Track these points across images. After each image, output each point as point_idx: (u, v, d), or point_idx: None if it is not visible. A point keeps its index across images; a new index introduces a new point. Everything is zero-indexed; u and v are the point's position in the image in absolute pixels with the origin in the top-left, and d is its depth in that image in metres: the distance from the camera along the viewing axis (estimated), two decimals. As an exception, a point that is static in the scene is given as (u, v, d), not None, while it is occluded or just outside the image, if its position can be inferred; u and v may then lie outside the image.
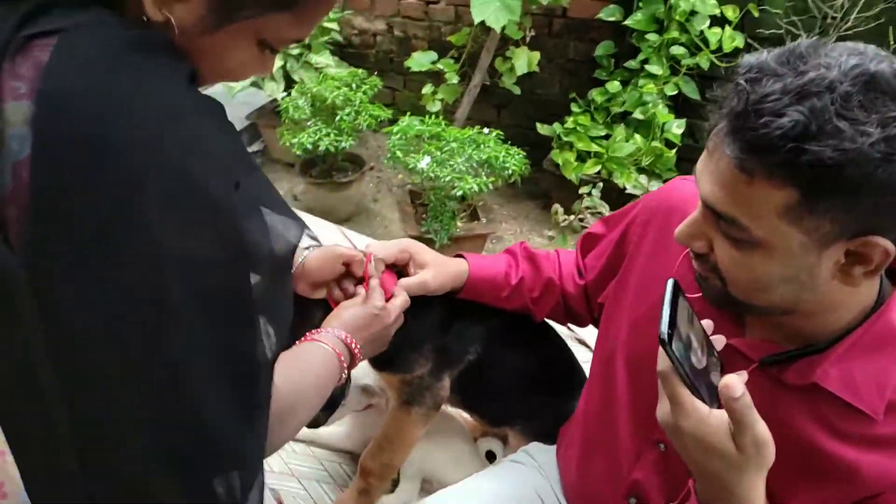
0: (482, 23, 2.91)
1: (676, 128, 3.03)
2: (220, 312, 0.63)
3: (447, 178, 2.57)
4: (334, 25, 3.57)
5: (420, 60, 3.34)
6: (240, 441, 0.67)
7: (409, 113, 2.92)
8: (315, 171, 3.29)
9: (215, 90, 3.93)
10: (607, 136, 3.14)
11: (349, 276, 1.12)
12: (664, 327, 0.69)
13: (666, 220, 1.01)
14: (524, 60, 3.20)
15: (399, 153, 2.71)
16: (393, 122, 2.91)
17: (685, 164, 3.07)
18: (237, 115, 3.90)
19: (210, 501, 0.66)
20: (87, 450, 0.65)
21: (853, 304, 0.79)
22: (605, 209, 2.89)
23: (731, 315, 0.89)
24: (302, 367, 0.88)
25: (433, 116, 2.90)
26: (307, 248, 1.11)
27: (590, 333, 1.70)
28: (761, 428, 0.69)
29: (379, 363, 1.26)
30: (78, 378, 0.62)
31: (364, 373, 1.38)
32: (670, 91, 3.07)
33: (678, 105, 3.17)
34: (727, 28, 2.98)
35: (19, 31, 0.59)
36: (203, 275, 0.61)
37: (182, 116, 0.61)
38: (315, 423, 1.03)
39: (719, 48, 2.98)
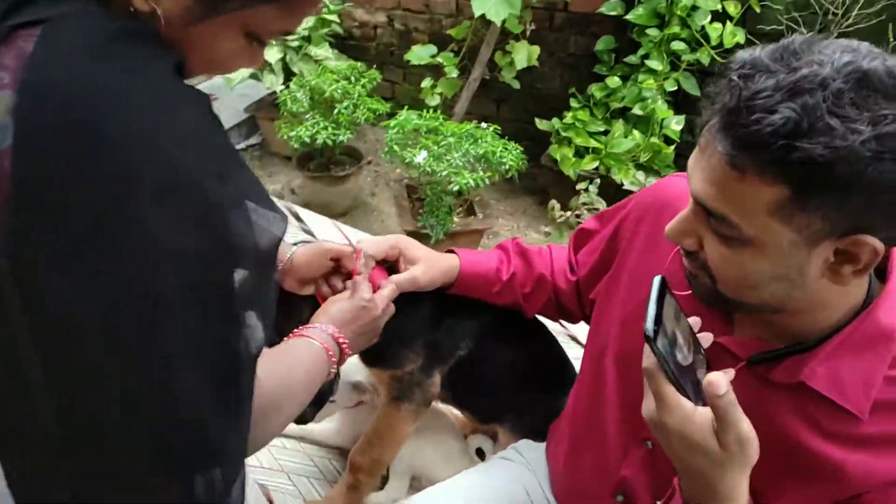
0: (482, 16, 2.90)
1: (675, 124, 3.01)
2: (206, 306, 0.63)
3: (444, 173, 2.56)
4: (335, 17, 3.56)
5: (419, 54, 3.33)
6: (222, 437, 0.67)
7: (407, 107, 2.91)
8: (312, 165, 3.28)
9: (214, 82, 3.93)
10: (606, 132, 3.13)
11: (337, 272, 1.12)
12: (649, 323, 0.69)
13: (658, 217, 1.00)
14: (524, 55, 3.19)
15: (396, 147, 2.70)
16: (392, 115, 2.91)
17: (684, 160, 3.01)
18: (236, 108, 3.89)
19: (190, 498, 0.66)
20: (72, 445, 0.65)
21: (842, 302, 0.79)
22: (603, 205, 2.88)
23: (720, 313, 0.88)
24: (289, 362, 0.88)
25: (432, 110, 2.89)
26: (296, 245, 1.10)
27: (582, 330, 1.69)
28: (745, 426, 0.69)
29: (369, 359, 1.26)
30: (68, 371, 0.62)
31: (355, 369, 1.37)
32: (670, 87, 3.06)
33: (678, 101, 3.16)
34: (728, 24, 2.96)
35: (3, 21, 0.59)
36: (194, 268, 0.61)
37: (176, 109, 0.61)
38: (302, 420, 1.03)
39: (720, 44, 2.96)
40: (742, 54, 0.70)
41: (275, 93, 3.29)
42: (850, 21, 2.76)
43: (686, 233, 0.79)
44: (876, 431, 0.77)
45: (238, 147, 3.87)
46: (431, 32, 3.78)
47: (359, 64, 3.27)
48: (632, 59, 3.14)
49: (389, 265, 1.17)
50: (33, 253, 0.58)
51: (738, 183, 0.68)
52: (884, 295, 0.80)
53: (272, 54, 3.28)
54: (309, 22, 3.46)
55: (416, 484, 1.40)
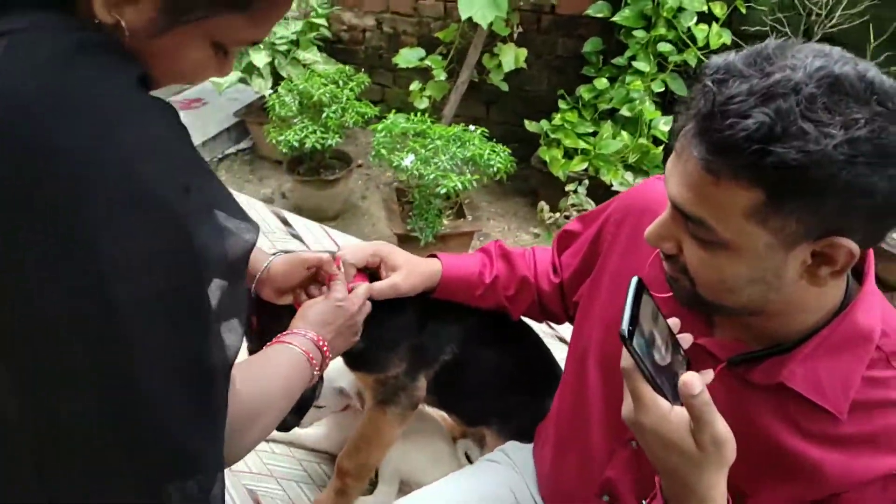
0: (470, 19, 2.91)
1: (663, 124, 3.03)
2: (169, 315, 0.62)
3: (431, 176, 2.56)
4: (323, 21, 3.56)
5: (408, 57, 3.34)
6: (195, 446, 0.67)
7: (394, 111, 2.91)
8: (302, 169, 3.28)
9: (204, 86, 3.93)
10: (595, 133, 3.14)
11: (315, 280, 1.12)
12: (624, 324, 0.70)
13: (639, 220, 1.01)
14: (511, 57, 3.20)
15: (384, 151, 2.70)
16: (381, 118, 2.91)
17: (672, 160, 3.06)
18: (225, 112, 3.89)
19: None
20: (43, 453, 0.65)
21: (820, 304, 0.80)
22: (591, 206, 2.89)
23: (700, 315, 0.89)
24: (268, 370, 0.88)
25: (420, 114, 2.90)
26: (274, 254, 1.10)
27: (570, 331, 1.69)
28: (720, 426, 0.70)
29: (354, 363, 1.26)
30: (33, 379, 0.62)
31: (339, 374, 1.37)
32: (657, 88, 3.07)
33: (665, 102, 3.17)
34: (714, 25, 2.98)
35: None
36: (151, 278, 0.61)
37: (137, 120, 0.60)
38: (284, 427, 1.03)
39: (706, 45, 2.97)
40: (716, 59, 0.71)
41: (264, 97, 3.29)
42: (834, 21, 2.78)
43: (665, 237, 0.79)
44: (854, 431, 0.78)
45: (228, 151, 3.86)
46: (420, 36, 3.78)
47: (347, 68, 3.27)
48: (619, 60, 3.15)
49: (371, 272, 1.17)
50: None
51: (714, 187, 0.69)
52: (861, 296, 0.80)
53: (260, 58, 3.28)
54: (297, 26, 3.46)
55: (405, 488, 1.40)
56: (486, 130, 2.85)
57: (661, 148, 3.01)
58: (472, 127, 2.85)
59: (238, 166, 3.78)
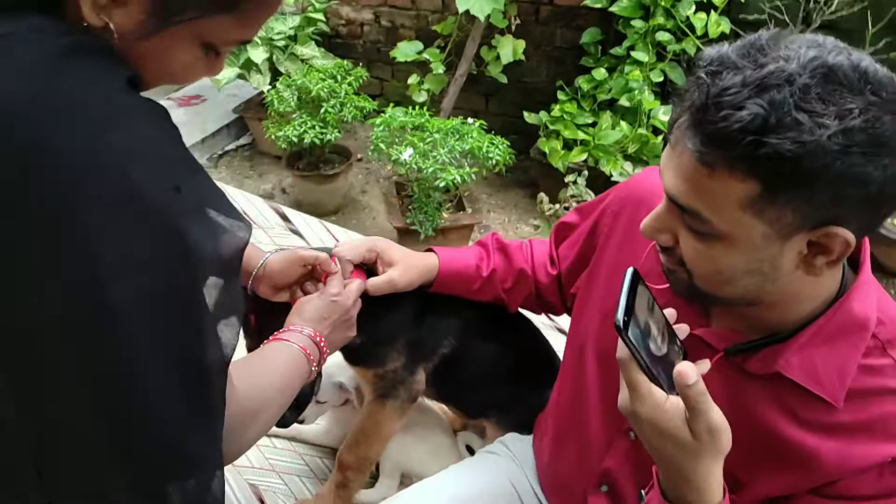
0: (467, 11, 2.90)
1: (663, 114, 3.02)
2: (164, 314, 0.63)
3: (430, 170, 2.56)
4: (321, 16, 3.55)
5: (405, 51, 3.33)
6: (194, 445, 0.67)
7: (392, 105, 2.91)
8: (302, 164, 3.28)
9: (203, 83, 3.93)
10: (594, 124, 3.14)
11: (312, 278, 1.12)
12: (620, 314, 0.70)
13: (635, 211, 1.01)
14: (509, 49, 3.19)
15: (382, 145, 2.70)
16: (380, 112, 2.91)
17: (672, 150, 3.06)
18: (224, 108, 3.89)
19: None
20: (42, 455, 0.66)
21: (816, 293, 0.80)
22: (591, 197, 2.89)
23: (697, 305, 0.89)
24: (265, 367, 0.88)
25: (419, 107, 2.90)
26: (271, 252, 1.11)
27: (568, 322, 1.70)
28: (715, 415, 0.70)
29: (353, 358, 1.27)
30: (30, 381, 0.63)
31: (337, 369, 1.38)
32: (656, 77, 3.06)
33: (664, 91, 3.16)
34: (713, 13, 2.96)
35: None
36: (145, 278, 0.61)
37: (127, 122, 0.61)
38: (283, 423, 1.03)
39: (705, 34, 2.96)
40: (709, 51, 0.71)
41: (263, 93, 3.29)
42: (833, 8, 2.77)
43: (661, 229, 0.79)
44: (850, 419, 0.78)
45: (228, 148, 3.86)
46: (418, 29, 3.77)
47: (345, 62, 3.27)
48: (617, 50, 3.14)
49: (368, 268, 1.18)
50: None
51: (709, 179, 0.69)
52: (857, 285, 0.81)
53: (258, 54, 3.28)
54: (295, 21, 3.46)
55: (407, 481, 1.40)
56: (485, 123, 2.85)
57: (660, 138, 3.00)
58: (470, 120, 2.84)
59: (238, 162, 3.78)
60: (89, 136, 0.58)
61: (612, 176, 2.93)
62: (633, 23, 3.04)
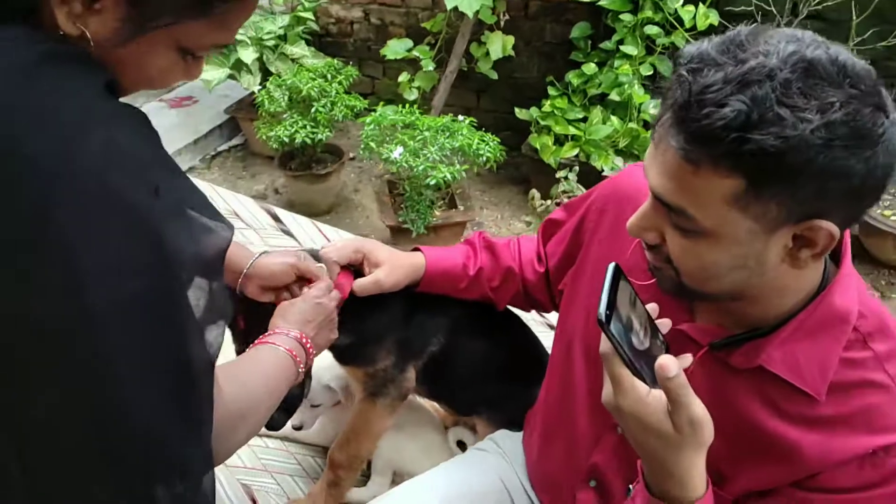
0: (456, 8, 2.90)
1: (653, 108, 3.03)
2: (147, 317, 0.63)
3: (421, 168, 2.56)
4: (310, 15, 3.55)
5: (395, 48, 3.33)
6: (181, 448, 0.68)
7: (383, 103, 2.91)
8: (294, 164, 3.28)
9: (194, 84, 3.92)
10: (585, 119, 3.14)
11: (299, 280, 1.12)
12: (602, 309, 0.70)
13: (620, 208, 1.01)
14: (499, 45, 3.19)
15: (373, 144, 2.70)
16: (371, 111, 2.90)
17: (663, 144, 3.06)
18: (216, 109, 3.89)
19: None
20: (28, 460, 0.66)
21: (799, 287, 0.80)
22: (582, 192, 2.89)
23: (681, 301, 0.89)
24: (252, 370, 0.89)
25: (410, 105, 2.89)
26: (263, 252, 1.11)
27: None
28: (697, 408, 0.70)
29: (343, 358, 1.27)
30: (8, 387, 0.63)
31: (325, 370, 1.39)
32: (646, 71, 3.07)
33: (654, 85, 3.16)
34: (701, 6, 2.98)
35: None
36: (126, 281, 0.61)
37: (95, 126, 0.61)
38: (272, 426, 1.04)
39: (694, 26, 2.97)
40: (689, 48, 0.71)
41: (254, 93, 3.28)
42: (818, 0, 2.77)
43: (647, 228, 0.79)
44: (831, 412, 0.79)
45: (220, 148, 3.86)
46: (408, 26, 3.77)
47: (335, 61, 3.27)
48: (607, 44, 3.15)
49: (355, 269, 1.18)
50: None
51: (694, 176, 0.69)
52: (838, 278, 0.81)
53: (248, 54, 3.27)
54: (284, 20, 3.45)
55: (398, 479, 1.41)
56: (475, 120, 2.85)
57: (650, 132, 3.00)
58: (460, 117, 2.84)
59: (231, 163, 3.78)
60: (63, 141, 0.58)
61: (603, 171, 2.94)
62: (622, 16, 3.04)
